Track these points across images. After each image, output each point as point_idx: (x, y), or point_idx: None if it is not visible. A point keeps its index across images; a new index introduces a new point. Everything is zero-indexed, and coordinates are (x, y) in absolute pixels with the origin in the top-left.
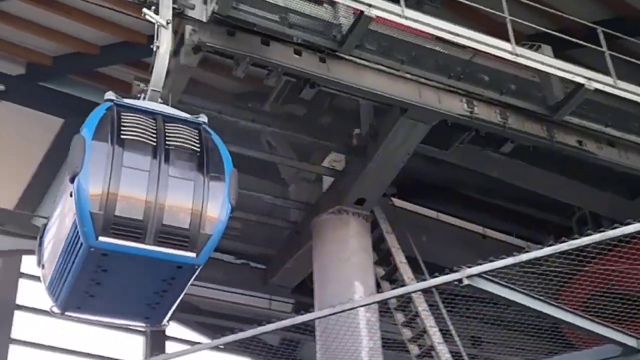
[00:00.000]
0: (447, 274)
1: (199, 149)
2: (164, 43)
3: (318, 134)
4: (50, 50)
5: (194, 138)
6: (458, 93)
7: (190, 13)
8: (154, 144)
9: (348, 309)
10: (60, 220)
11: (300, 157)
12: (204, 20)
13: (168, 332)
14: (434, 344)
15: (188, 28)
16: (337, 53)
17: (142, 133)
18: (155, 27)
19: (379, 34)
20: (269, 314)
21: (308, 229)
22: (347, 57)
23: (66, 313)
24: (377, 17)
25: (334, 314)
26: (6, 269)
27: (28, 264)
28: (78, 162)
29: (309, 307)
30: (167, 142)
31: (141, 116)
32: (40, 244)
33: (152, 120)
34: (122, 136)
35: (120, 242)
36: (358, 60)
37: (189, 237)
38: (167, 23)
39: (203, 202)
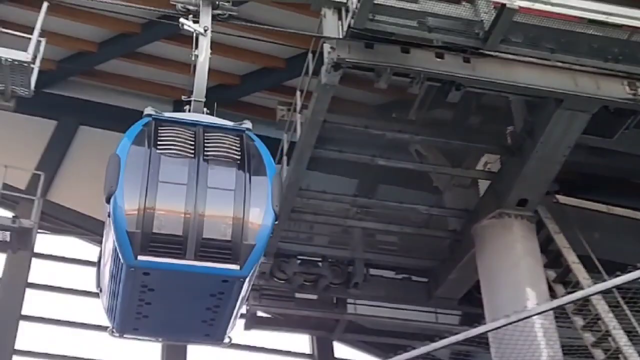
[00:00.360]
0: (629, 271)
1: (239, 157)
2: (203, 51)
3: (468, 136)
4: (192, 85)
5: (235, 146)
6: (618, 76)
7: (326, 32)
8: (192, 156)
9: (524, 318)
10: (107, 241)
11: (453, 163)
12: (340, 36)
13: (337, 354)
14: (620, 346)
15: (326, 47)
16: (481, 51)
17: (179, 146)
18: (194, 36)
19: (525, 25)
20: (435, 328)
21: (469, 237)
22: (492, 53)
23: (125, 336)
24: (521, 7)
25: (509, 323)
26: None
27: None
28: (113, 181)
29: (477, 318)
30: (205, 153)
31: (180, 129)
32: (98, 267)
33: (191, 132)
34: (159, 151)
35: (160, 259)
36: (504, 55)
37: (231, 249)
38: (205, 30)
39: (244, 212)
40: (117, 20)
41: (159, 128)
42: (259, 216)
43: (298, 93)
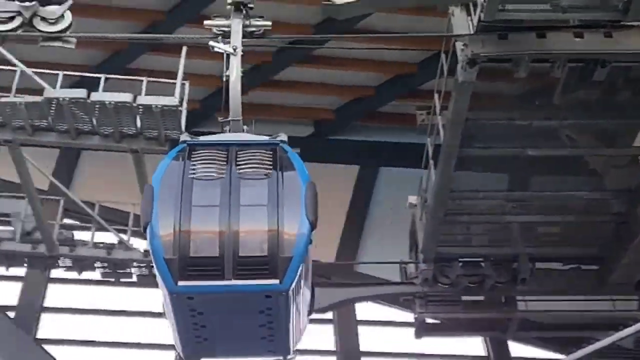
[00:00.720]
0: None
1: (271, 171)
2: (234, 70)
3: (620, 113)
4: (330, 104)
5: (267, 161)
6: None
7: (456, 29)
8: (223, 176)
9: None
10: None
11: (607, 143)
12: (472, 32)
13: (513, 353)
14: None
15: (459, 45)
16: (622, 23)
17: (211, 168)
18: (224, 56)
19: None
20: (613, 316)
21: (635, 217)
22: (635, 24)
23: None
24: None
25: None
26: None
27: None
28: (148, 211)
29: None
30: (238, 172)
31: (212, 151)
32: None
33: (224, 153)
34: (191, 176)
35: (200, 282)
36: None
37: (268, 263)
38: (235, 50)
39: (278, 225)
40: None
41: (192, 153)
42: (294, 227)
43: (436, 95)
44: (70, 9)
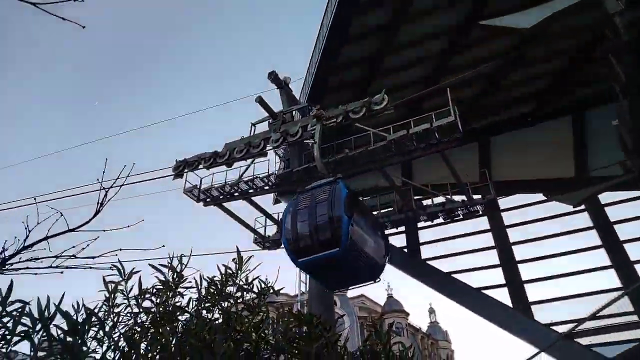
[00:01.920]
0: None
1: (328, 197)
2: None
3: None
4: None
5: (327, 191)
6: None
7: None
8: (309, 203)
9: None
10: None
11: None
12: None
13: None
14: None
15: None
16: None
17: (305, 199)
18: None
19: None
20: None
21: None
22: None
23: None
24: None
25: None
26: None
27: None
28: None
29: None
30: (315, 200)
31: (308, 192)
32: None
33: (310, 191)
34: (298, 207)
35: (305, 257)
36: None
37: (331, 241)
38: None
39: (334, 223)
40: None
41: (300, 194)
42: (340, 221)
43: None
44: None
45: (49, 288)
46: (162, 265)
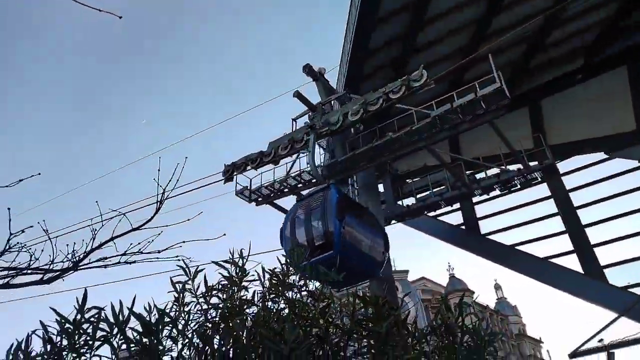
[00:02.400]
0: None
1: (320, 203)
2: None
3: None
4: None
5: (320, 198)
6: None
7: None
8: (304, 211)
9: None
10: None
11: None
12: None
13: None
14: None
15: None
16: None
17: (301, 208)
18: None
19: None
20: None
21: None
22: None
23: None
24: None
25: None
26: None
27: None
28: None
29: None
30: (310, 207)
31: (305, 200)
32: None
33: (307, 199)
34: (298, 214)
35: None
36: None
37: (326, 245)
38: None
39: (327, 227)
40: None
41: (297, 204)
42: (332, 226)
43: None
44: None
45: (120, 294)
46: (224, 261)
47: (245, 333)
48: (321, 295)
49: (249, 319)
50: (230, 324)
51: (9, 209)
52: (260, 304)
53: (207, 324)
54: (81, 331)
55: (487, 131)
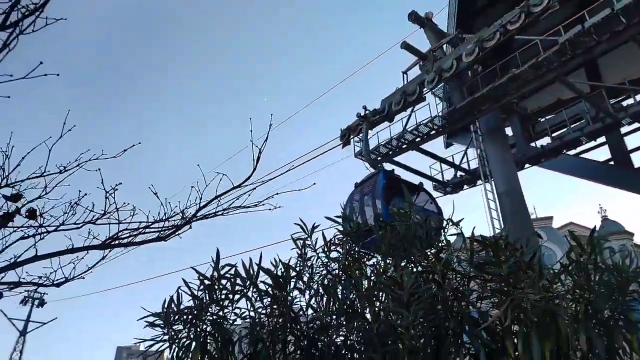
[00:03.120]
0: None
1: (371, 188)
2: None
3: None
4: None
5: (371, 184)
6: None
7: None
8: (359, 196)
9: None
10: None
11: None
12: None
13: None
14: None
15: None
16: None
17: (357, 193)
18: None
19: None
20: None
21: None
22: None
23: None
24: None
25: None
26: None
27: None
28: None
29: None
30: (363, 193)
31: (360, 185)
32: None
33: (361, 185)
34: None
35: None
36: None
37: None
38: None
39: (376, 209)
40: None
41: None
42: (379, 207)
43: None
44: None
45: (244, 257)
46: (337, 216)
47: (365, 282)
48: (435, 242)
49: (368, 269)
50: (351, 275)
51: (99, 169)
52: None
53: (329, 275)
54: (220, 286)
55: (631, 50)
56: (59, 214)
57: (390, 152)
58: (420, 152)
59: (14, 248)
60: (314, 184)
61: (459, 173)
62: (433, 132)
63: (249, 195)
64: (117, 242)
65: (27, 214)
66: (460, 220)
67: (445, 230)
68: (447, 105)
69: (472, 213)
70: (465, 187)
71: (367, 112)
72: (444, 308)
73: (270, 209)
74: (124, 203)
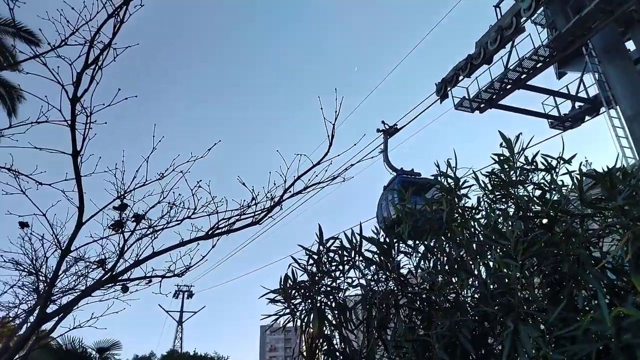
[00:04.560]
0: None
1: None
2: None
3: None
4: None
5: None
6: None
7: None
8: (385, 198)
9: None
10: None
11: None
12: None
13: None
14: None
15: None
16: None
17: (384, 195)
18: None
19: None
20: None
21: None
22: None
23: None
24: None
25: None
26: None
27: None
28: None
29: None
30: (386, 195)
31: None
32: None
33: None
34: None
35: None
36: None
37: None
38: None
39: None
40: None
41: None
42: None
43: None
44: None
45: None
46: (439, 173)
47: (468, 236)
48: (550, 184)
49: (471, 223)
50: (454, 231)
51: (183, 172)
52: (485, 208)
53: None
54: (329, 258)
55: None
56: (164, 214)
57: (494, 97)
58: (528, 90)
59: (137, 249)
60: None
61: (577, 104)
62: (539, 64)
63: (326, 170)
64: (218, 231)
65: (133, 219)
66: (572, 157)
67: (557, 169)
68: (552, 31)
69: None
70: (587, 118)
71: (386, 126)
72: (557, 252)
73: (343, 180)
74: (214, 197)
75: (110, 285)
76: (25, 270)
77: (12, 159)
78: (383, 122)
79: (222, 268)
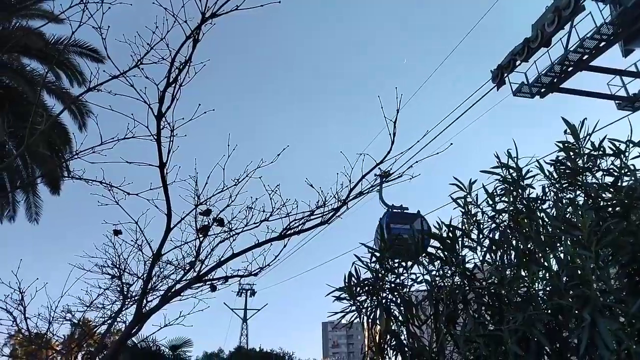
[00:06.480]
0: None
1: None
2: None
3: None
4: None
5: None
6: None
7: None
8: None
9: None
10: None
11: None
12: None
13: None
14: None
15: None
16: None
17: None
18: None
19: None
20: None
21: None
22: None
23: None
24: None
25: None
26: None
27: None
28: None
29: None
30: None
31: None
32: None
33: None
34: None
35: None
36: None
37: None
38: None
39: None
40: None
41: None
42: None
43: None
44: None
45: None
46: (499, 164)
47: (537, 228)
48: (621, 170)
49: (539, 214)
50: (520, 224)
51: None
52: (553, 198)
53: (499, 227)
54: (389, 256)
55: None
56: (242, 217)
57: (555, 80)
58: (592, 71)
59: (218, 250)
60: (451, 144)
61: None
62: (603, 43)
63: (390, 168)
64: (290, 231)
65: (216, 223)
66: None
67: (626, 153)
68: (615, 7)
69: None
70: None
71: (382, 171)
72: (634, 242)
73: (410, 178)
74: (287, 199)
75: (199, 285)
76: (111, 275)
77: (104, 173)
78: (379, 167)
79: (281, 267)
